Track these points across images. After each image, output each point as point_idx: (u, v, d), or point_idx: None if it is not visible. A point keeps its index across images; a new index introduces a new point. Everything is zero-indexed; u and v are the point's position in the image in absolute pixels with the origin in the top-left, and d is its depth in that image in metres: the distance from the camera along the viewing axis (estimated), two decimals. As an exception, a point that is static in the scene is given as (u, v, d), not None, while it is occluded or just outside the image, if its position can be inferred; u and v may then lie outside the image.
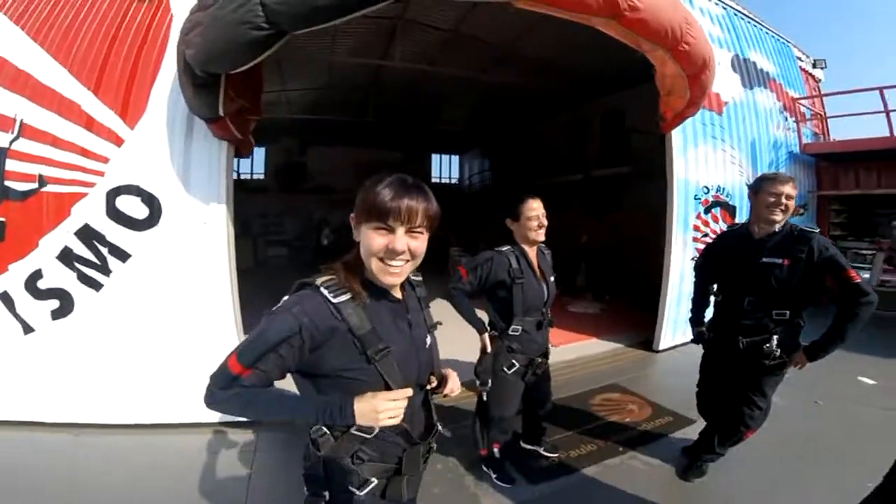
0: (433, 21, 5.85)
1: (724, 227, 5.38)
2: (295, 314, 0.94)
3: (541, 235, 2.16)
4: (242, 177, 13.25)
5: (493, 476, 2.41)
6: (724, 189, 5.44)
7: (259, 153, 13.29)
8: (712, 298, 2.46)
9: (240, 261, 3.29)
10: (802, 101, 7.59)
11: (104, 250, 2.95)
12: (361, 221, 1.01)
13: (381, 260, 0.99)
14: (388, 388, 1.00)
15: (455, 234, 10.39)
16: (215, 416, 3.04)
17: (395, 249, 0.97)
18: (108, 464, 2.68)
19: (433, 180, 16.93)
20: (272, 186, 13.14)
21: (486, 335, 2.20)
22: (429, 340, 1.19)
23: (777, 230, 2.13)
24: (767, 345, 2.10)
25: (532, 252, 2.21)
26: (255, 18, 1.98)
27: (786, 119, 7.05)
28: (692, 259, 5.00)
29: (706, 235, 5.20)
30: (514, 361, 2.17)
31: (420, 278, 1.27)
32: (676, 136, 4.72)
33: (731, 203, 5.53)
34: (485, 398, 2.25)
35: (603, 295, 7.28)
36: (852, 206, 7.37)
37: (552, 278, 2.28)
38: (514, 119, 10.51)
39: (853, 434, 2.79)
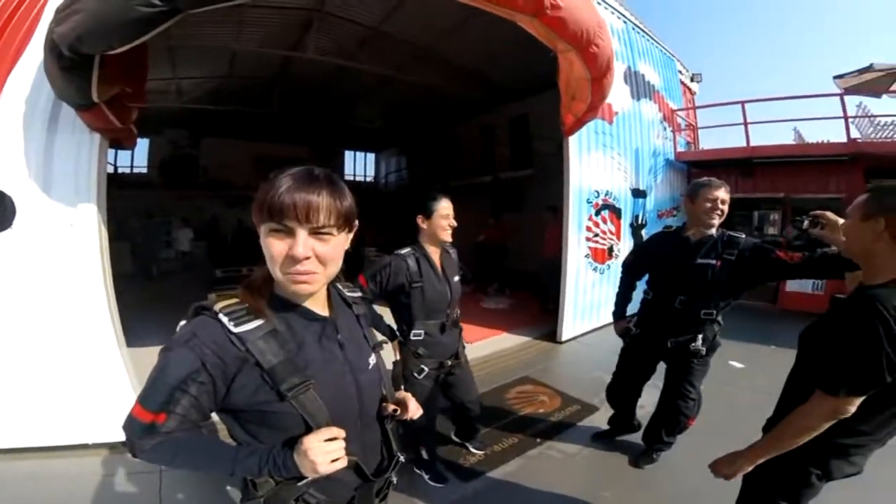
0: (355, 16, 5.68)
1: (611, 227, 5.98)
2: (193, 348, 0.78)
3: (449, 235, 2.15)
4: (120, 170, 11.71)
5: (426, 477, 2.41)
6: (611, 193, 5.99)
7: (141, 144, 11.82)
8: (641, 296, 2.55)
9: (119, 265, 2.89)
10: (679, 112, 8.67)
11: None
12: (259, 223, 0.83)
13: (284, 269, 0.81)
14: (309, 428, 0.84)
15: (371, 234, 10.22)
16: (107, 436, 2.71)
17: (294, 256, 0.79)
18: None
19: (346, 178, 16.49)
20: (157, 181, 11.75)
21: (395, 342, 2.16)
22: (372, 361, 1.02)
23: (713, 234, 2.24)
24: (694, 344, 2.26)
25: (435, 252, 2.19)
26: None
27: (664, 129, 7.98)
28: (585, 256, 5.48)
29: (597, 235, 5.71)
30: (422, 366, 2.14)
31: (358, 294, 1.12)
32: (573, 142, 5.06)
33: (617, 206, 6.12)
34: (400, 430, 2.21)
35: (503, 289, 7.66)
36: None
37: (456, 278, 2.26)
38: (430, 119, 10.61)
39: (732, 413, 3.06)
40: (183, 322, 0.86)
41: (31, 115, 2.55)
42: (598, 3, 6.10)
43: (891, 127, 7.73)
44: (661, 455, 2.64)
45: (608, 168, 5.93)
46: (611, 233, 5.99)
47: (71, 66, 2.08)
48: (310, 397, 0.84)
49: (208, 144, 12.35)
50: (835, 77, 8.59)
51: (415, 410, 1.10)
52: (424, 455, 2.41)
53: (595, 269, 5.66)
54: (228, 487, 2.32)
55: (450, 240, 2.17)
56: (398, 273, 2.05)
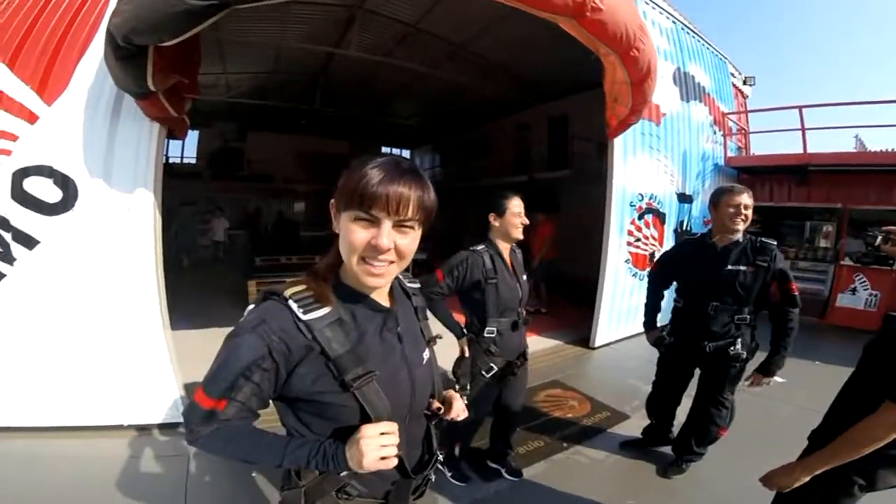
0: (395, 13, 5.74)
1: (654, 233, 5.78)
2: (261, 334, 0.79)
3: (520, 233, 2.14)
4: (171, 160, 12.32)
5: (449, 475, 2.40)
6: (656, 197, 5.80)
7: (191, 136, 12.40)
8: (672, 304, 2.55)
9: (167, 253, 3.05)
10: (731, 116, 8.29)
11: (7, 236, 2.61)
12: (341, 209, 0.83)
13: (363, 258, 0.82)
14: (365, 420, 0.84)
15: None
16: (141, 418, 2.87)
17: (378, 246, 0.79)
18: (25, 473, 2.39)
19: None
20: (205, 172, 12.27)
21: (464, 339, 2.16)
22: (426, 356, 1.01)
23: (739, 240, 2.26)
24: (733, 348, 2.24)
25: (506, 250, 2.18)
26: (196, -12, 1.80)
27: (714, 132, 7.66)
28: (625, 261, 5.33)
29: (639, 240, 5.53)
30: (492, 364, 2.12)
31: (417, 285, 1.12)
32: (618, 144, 4.93)
33: (661, 210, 5.91)
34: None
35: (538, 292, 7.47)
36: (766, 216, 8.13)
37: (524, 277, 2.25)
38: (465, 117, 10.61)
39: (767, 426, 3.00)
40: (251, 306, 0.86)
41: (97, 103, 2.71)
42: (647, 2, 5.95)
43: None
44: (690, 465, 2.57)
45: (654, 171, 5.75)
46: (653, 238, 5.79)
47: (126, 56, 2.18)
48: (373, 389, 0.84)
49: (253, 138, 12.76)
50: None
51: (458, 411, 1.08)
52: (456, 451, 2.39)
53: (634, 275, 5.50)
54: (254, 474, 2.39)
55: (521, 237, 2.16)
56: (475, 268, 2.05)
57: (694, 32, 7.21)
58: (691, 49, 7.01)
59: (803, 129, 7.54)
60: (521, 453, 2.74)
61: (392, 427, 0.84)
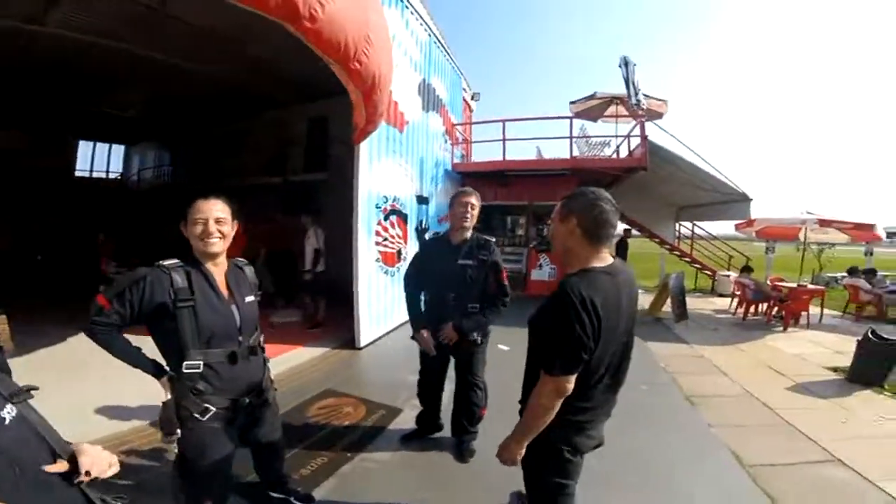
0: None
1: (399, 232, 6.40)
2: None
3: (211, 246, 1.70)
4: None
5: None
6: (399, 199, 6.42)
7: None
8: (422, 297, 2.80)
9: None
10: (458, 127, 9.90)
11: None
12: None
13: None
14: None
15: (113, 244, 8.20)
16: None
17: None
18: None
19: (79, 173, 12.94)
20: None
21: (165, 378, 1.70)
22: (8, 416, 0.81)
23: (468, 237, 2.62)
24: (471, 335, 2.61)
25: (216, 268, 1.78)
26: None
27: (445, 141, 8.99)
28: (376, 260, 5.72)
29: (386, 239, 6.03)
30: (207, 406, 1.69)
31: None
32: (364, 148, 5.16)
33: (404, 211, 6.59)
34: (177, 450, 1.73)
35: (293, 299, 7.11)
36: (486, 214, 10.16)
37: (249, 299, 1.85)
38: (207, 111, 9.25)
39: (513, 395, 3.52)
40: None
41: None
42: (412, 12, 6.37)
43: (599, 146, 10.48)
44: (473, 444, 2.85)
45: (397, 175, 6.29)
46: (399, 237, 6.38)
47: None
48: None
49: None
50: (570, 102, 11.29)
51: (95, 466, 0.90)
52: None
53: (386, 272, 5.95)
54: None
55: (211, 251, 1.72)
56: (156, 289, 1.60)
57: (444, 47, 8.16)
58: (438, 63, 7.92)
59: (504, 140, 9.74)
60: (305, 475, 2.57)
61: None
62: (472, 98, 11.90)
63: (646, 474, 2.73)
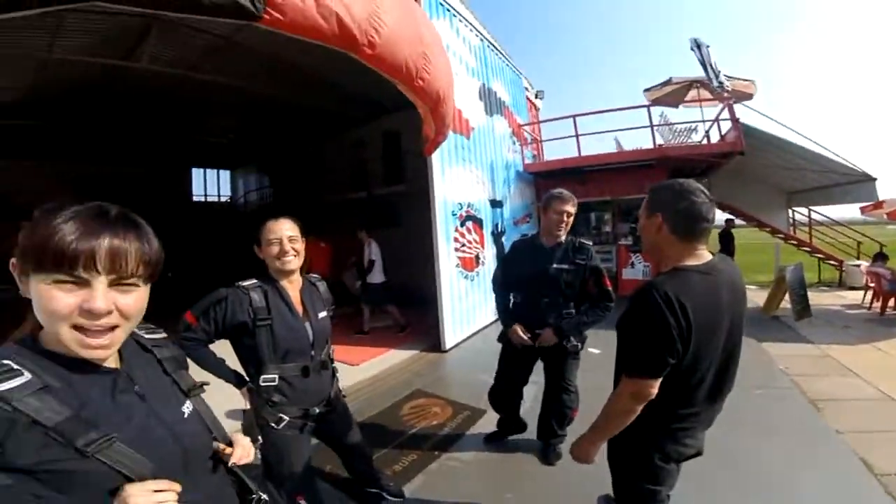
0: (204, 25, 5.06)
1: (475, 237, 6.46)
2: None
3: (288, 264, 1.79)
4: None
5: None
6: (473, 205, 6.49)
7: None
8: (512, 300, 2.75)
9: None
10: (525, 127, 9.74)
11: None
12: (29, 272, 0.69)
13: (76, 326, 0.69)
14: (130, 481, 0.71)
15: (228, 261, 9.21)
16: None
17: (93, 310, 0.67)
18: None
19: (195, 198, 14.74)
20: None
21: (244, 389, 1.85)
22: (187, 409, 0.90)
23: (562, 240, 2.56)
24: (569, 342, 2.52)
25: (291, 285, 1.87)
26: None
27: (513, 142, 8.90)
28: (456, 266, 5.83)
29: (464, 245, 6.13)
30: (281, 416, 1.81)
31: (158, 336, 0.97)
32: (436, 157, 5.34)
33: (479, 216, 6.65)
34: (260, 455, 1.86)
35: (385, 305, 7.44)
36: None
37: (322, 314, 1.94)
38: (296, 134, 10.11)
39: (603, 398, 3.44)
40: None
41: None
42: (461, 20, 6.52)
43: (685, 133, 9.63)
44: (561, 448, 2.78)
45: (468, 181, 6.38)
46: (476, 242, 6.45)
47: None
48: (118, 450, 0.71)
49: (6, 167, 9.93)
50: (644, 90, 10.63)
51: (240, 456, 0.98)
52: None
53: (466, 277, 6.05)
54: None
55: (291, 268, 1.82)
56: (236, 308, 1.73)
57: (498, 50, 8.20)
58: (494, 66, 7.96)
59: (577, 136, 9.36)
60: (397, 471, 2.75)
61: (164, 485, 0.74)
62: (537, 96, 11.61)
63: (767, 483, 2.51)
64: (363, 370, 4.65)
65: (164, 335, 0.99)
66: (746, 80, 9.75)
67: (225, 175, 15.52)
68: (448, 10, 6.21)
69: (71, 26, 4.74)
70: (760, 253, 14.09)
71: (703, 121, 9.61)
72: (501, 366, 2.90)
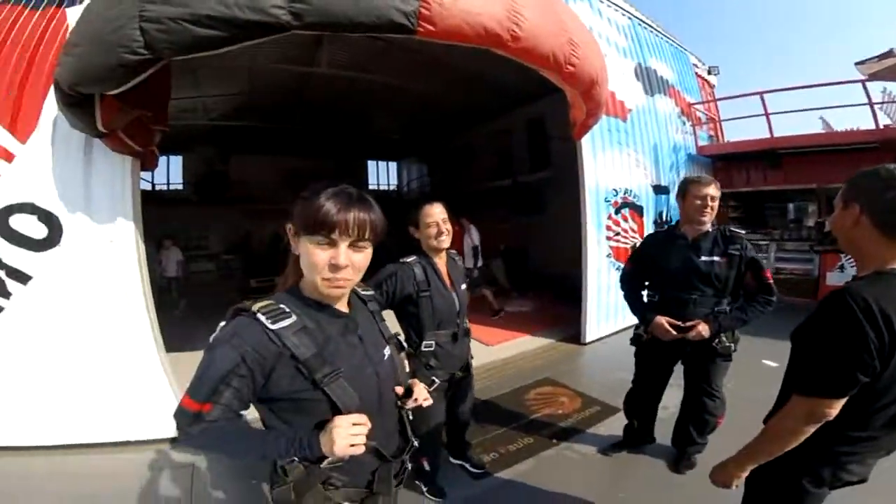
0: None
1: (633, 225, 5.88)
2: (234, 346, 0.90)
3: (443, 242, 2.03)
4: (158, 188, 12.30)
5: (425, 489, 2.37)
6: (631, 191, 5.91)
7: (176, 162, 12.41)
8: (645, 298, 2.48)
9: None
10: (697, 106, 8.46)
11: (1, 273, 2.71)
12: (300, 234, 0.96)
13: (325, 277, 0.95)
14: (339, 411, 0.95)
15: (396, 243, 10.34)
16: (144, 433, 2.95)
17: (338, 264, 0.93)
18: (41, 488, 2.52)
19: (370, 187, 16.76)
20: (192, 198, 12.26)
21: (403, 353, 2.08)
22: (387, 352, 1.14)
23: (708, 230, 2.25)
24: (719, 342, 2.22)
25: (440, 261, 2.11)
26: (131, 42, 1.81)
27: (683, 123, 7.82)
28: (607, 256, 5.42)
29: (618, 234, 5.63)
30: (434, 378, 2.00)
31: (371, 292, 1.24)
32: (586, 142, 5.02)
33: (638, 203, 6.04)
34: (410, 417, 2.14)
35: (526, 292, 7.68)
36: (746, 202, 8.26)
37: (463, 287, 2.17)
38: (447, 126, 10.70)
39: (763, 413, 2.91)
40: (223, 323, 0.96)
41: (69, 139, 2.77)
42: (601, 1, 6.13)
43: None
44: (697, 458, 2.52)
45: (625, 166, 5.87)
46: (633, 231, 5.89)
47: (73, 102, 2.21)
48: (340, 385, 0.96)
49: (237, 161, 12.79)
50: (856, 63, 8.28)
51: (419, 396, 1.19)
52: (426, 466, 2.32)
53: (618, 269, 5.55)
54: (254, 482, 2.43)
55: (445, 246, 2.06)
56: (406, 281, 1.97)
57: (651, 27, 7.40)
58: (650, 44, 7.21)
59: (767, 115, 7.71)
60: (509, 450, 2.78)
61: (362, 419, 0.94)
62: (710, 73, 9.85)
63: None
64: (496, 351, 4.73)
65: (372, 292, 1.26)
66: None
67: (393, 166, 17.31)
68: (584, -7, 5.80)
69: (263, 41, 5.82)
70: None
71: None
72: (639, 369, 2.63)
